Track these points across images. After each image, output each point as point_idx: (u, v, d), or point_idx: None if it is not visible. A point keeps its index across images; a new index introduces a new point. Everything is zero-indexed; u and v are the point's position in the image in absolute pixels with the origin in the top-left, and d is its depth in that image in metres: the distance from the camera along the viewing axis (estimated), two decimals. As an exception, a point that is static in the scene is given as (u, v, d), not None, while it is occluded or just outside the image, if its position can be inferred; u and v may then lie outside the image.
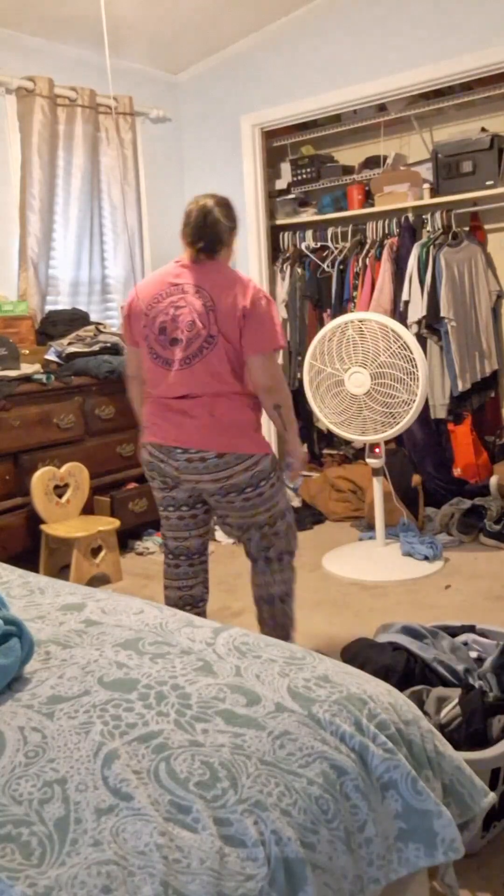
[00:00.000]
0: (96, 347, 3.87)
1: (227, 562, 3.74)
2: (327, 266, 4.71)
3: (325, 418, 3.57)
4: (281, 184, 5.05)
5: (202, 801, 1.14)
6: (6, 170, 4.05)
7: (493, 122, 4.41)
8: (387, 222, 4.51)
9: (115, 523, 3.50)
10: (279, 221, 4.99)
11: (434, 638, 2.20)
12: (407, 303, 4.25)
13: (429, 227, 4.35)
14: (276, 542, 2.48)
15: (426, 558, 3.52)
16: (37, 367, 3.63)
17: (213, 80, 4.77)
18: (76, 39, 4.16)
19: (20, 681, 1.46)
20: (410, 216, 4.44)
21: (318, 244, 4.81)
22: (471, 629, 2.31)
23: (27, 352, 3.72)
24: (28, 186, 4.03)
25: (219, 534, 4.02)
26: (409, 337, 3.31)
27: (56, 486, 3.49)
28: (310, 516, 4.27)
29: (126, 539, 3.95)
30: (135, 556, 3.89)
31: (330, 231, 4.75)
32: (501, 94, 4.22)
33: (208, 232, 2.31)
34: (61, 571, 3.49)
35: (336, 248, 4.73)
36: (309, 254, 4.82)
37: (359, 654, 2.14)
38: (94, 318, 4.30)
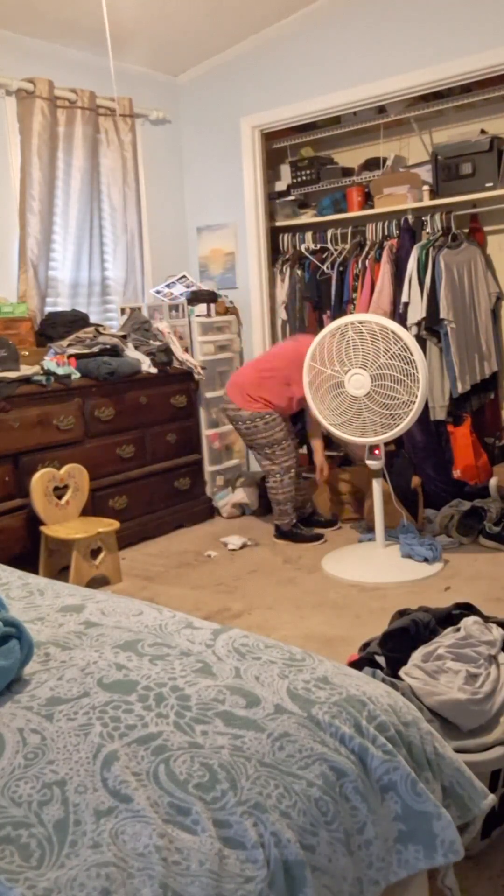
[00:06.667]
0: (96, 349, 3.87)
1: (227, 564, 3.74)
2: (327, 268, 4.71)
3: (325, 420, 3.57)
4: (280, 185, 5.05)
5: (201, 803, 1.14)
6: (6, 171, 4.05)
7: (492, 124, 4.42)
8: (386, 224, 4.51)
9: (114, 525, 3.49)
10: (279, 223, 4.99)
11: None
12: (406, 304, 4.24)
13: (428, 229, 4.34)
14: None
15: (426, 560, 3.52)
16: (36, 368, 3.63)
17: (212, 82, 4.78)
18: (76, 41, 4.17)
19: (19, 682, 1.46)
20: (410, 218, 4.44)
21: (318, 246, 4.81)
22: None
23: (27, 353, 3.73)
24: (28, 188, 4.04)
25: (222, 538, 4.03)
26: (408, 338, 3.31)
27: (56, 488, 3.49)
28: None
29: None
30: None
31: (329, 233, 4.75)
32: (501, 96, 4.23)
33: None
34: (61, 573, 3.48)
35: (336, 250, 4.73)
36: (308, 255, 4.82)
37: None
38: (93, 319, 4.30)
